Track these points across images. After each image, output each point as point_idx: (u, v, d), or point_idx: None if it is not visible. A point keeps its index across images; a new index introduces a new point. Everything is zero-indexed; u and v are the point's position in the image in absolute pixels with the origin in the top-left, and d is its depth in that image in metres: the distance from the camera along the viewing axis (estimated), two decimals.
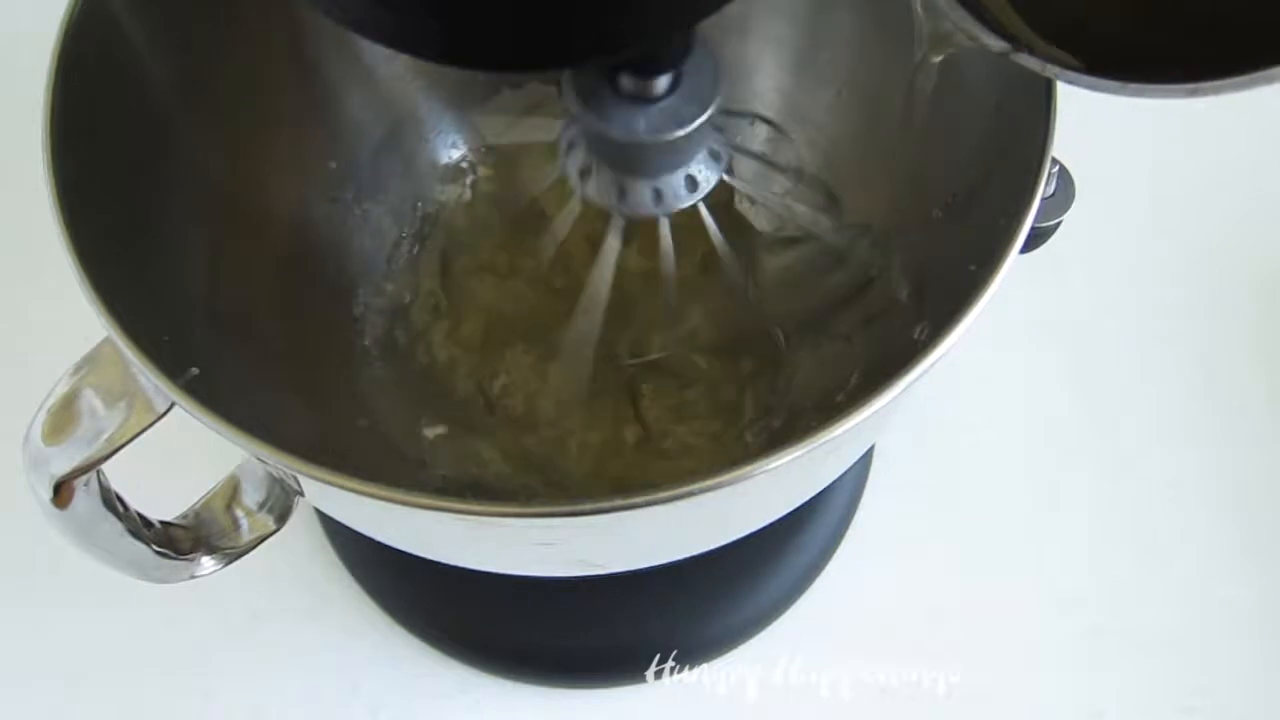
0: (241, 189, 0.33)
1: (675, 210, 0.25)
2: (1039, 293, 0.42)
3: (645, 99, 0.22)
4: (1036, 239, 0.26)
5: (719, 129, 0.24)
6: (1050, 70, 0.20)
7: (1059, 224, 0.26)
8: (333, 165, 0.36)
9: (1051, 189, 0.26)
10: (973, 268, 0.23)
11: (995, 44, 0.20)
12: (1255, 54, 0.17)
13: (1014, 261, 0.23)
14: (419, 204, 0.38)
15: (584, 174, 0.25)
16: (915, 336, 0.31)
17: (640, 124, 0.22)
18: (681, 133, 0.23)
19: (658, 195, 0.25)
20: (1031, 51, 0.20)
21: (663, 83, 0.22)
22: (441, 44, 0.17)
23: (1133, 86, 0.19)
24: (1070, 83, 0.20)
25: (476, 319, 0.36)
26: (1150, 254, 0.44)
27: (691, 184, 0.25)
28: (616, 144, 0.23)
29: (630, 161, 0.24)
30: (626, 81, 0.22)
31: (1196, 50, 0.18)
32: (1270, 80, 0.17)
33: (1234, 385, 0.41)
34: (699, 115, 0.23)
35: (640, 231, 0.30)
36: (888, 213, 0.34)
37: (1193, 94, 0.18)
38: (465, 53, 0.18)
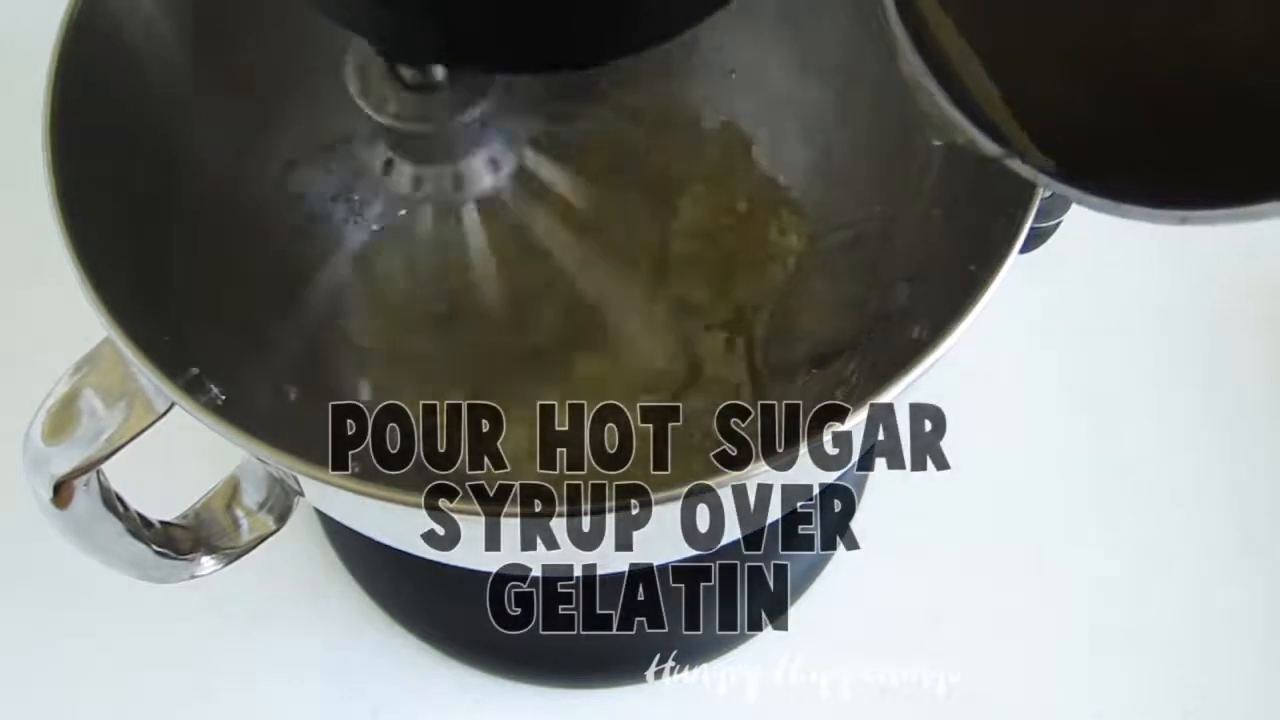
0: (242, 189, 0.33)
1: (478, 195, 0.25)
2: (1039, 293, 0.42)
3: (428, 88, 0.22)
4: (1037, 239, 0.26)
5: (515, 112, 0.25)
6: (1042, 180, 0.20)
7: (1059, 224, 0.26)
8: (334, 166, 0.36)
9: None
10: (973, 268, 0.23)
11: (989, 148, 0.20)
12: (1248, 187, 0.17)
13: (1014, 261, 0.23)
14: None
15: (385, 167, 0.25)
16: (915, 336, 0.31)
17: (426, 112, 0.23)
18: (466, 117, 0.23)
19: (457, 180, 0.25)
20: (1024, 158, 0.20)
21: (440, 70, 0.22)
22: (441, 44, 0.17)
23: (1124, 207, 0.19)
24: (1062, 194, 0.20)
25: None
26: (1150, 253, 0.44)
27: (494, 165, 0.25)
28: (408, 134, 0.23)
29: (427, 148, 0.24)
30: (407, 73, 0.22)
31: (1192, 177, 0.18)
32: (1260, 216, 0.17)
33: (1234, 384, 0.41)
34: (479, 99, 0.23)
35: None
36: (886, 212, 0.34)
37: (1183, 221, 0.18)
38: (465, 53, 0.18)
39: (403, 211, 0.36)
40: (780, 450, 0.21)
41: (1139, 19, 0.19)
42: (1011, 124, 0.20)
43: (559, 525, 0.21)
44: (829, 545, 0.38)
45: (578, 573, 0.28)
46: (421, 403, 0.34)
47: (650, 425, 0.32)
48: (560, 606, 0.37)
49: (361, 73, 0.22)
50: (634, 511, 0.20)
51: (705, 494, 0.20)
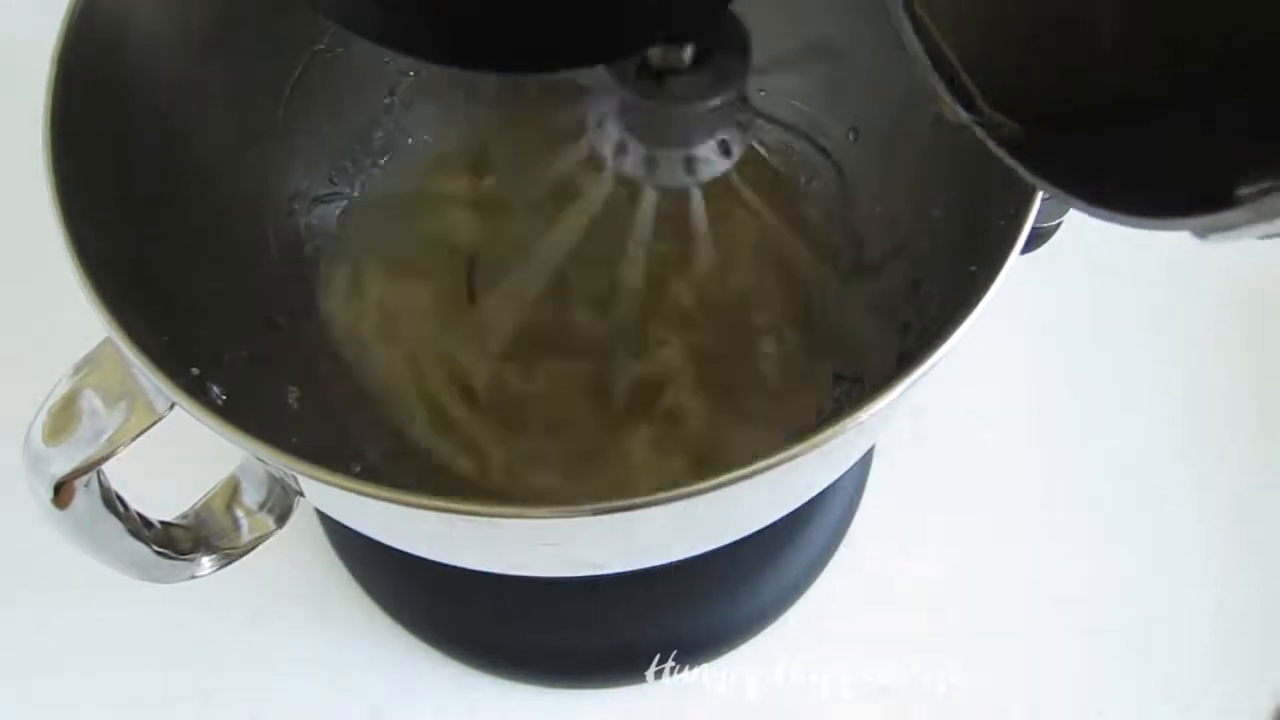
0: (243, 189, 0.33)
1: (708, 179, 0.25)
2: (1039, 293, 0.42)
3: (677, 69, 0.22)
4: (1037, 239, 0.26)
5: (744, 99, 0.24)
6: (1010, 163, 0.20)
7: (1059, 224, 0.26)
8: (335, 167, 0.36)
9: None
10: (973, 268, 0.23)
11: (959, 114, 0.20)
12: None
13: (1014, 261, 0.23)
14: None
15: (618, 150, 0.25)
16: (914, 335, 0.31)
17: (672, 93, 0.22)
18: (716, 101, 0.23)
19: (689, 164, 0.25)
20: (990, 130, 0.20)
21: (688, 53, 0.22)
22: (441, 44, 0.17)
23: (1101, 212, 0.19)
24: (1033, 182, 0.20)
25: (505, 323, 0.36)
26: (1150, 253, 0.44)
27: (725, 149, 0.25)
28: (649, 115, 0.23)
29: (662, 132, 0.24)
30: (655, 53, 0.22)
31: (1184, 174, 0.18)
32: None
33: (1234, 384, 0.41)
34: (730, 84, 0.23)
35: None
36: (887, 213, 0.34)
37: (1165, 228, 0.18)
38: (464, 53, 0.18)
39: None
40: (780, 451, 0.20)
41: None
42: (978, 93, 0.20)
43: (559, 525, 0.21)
44: (829, 545, 0.38)
45: (578, 573, 0.28)
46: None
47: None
48: (560, 606, 0.37)
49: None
50: (634, 512, 0.20)
51: (705, 494, 0.20)
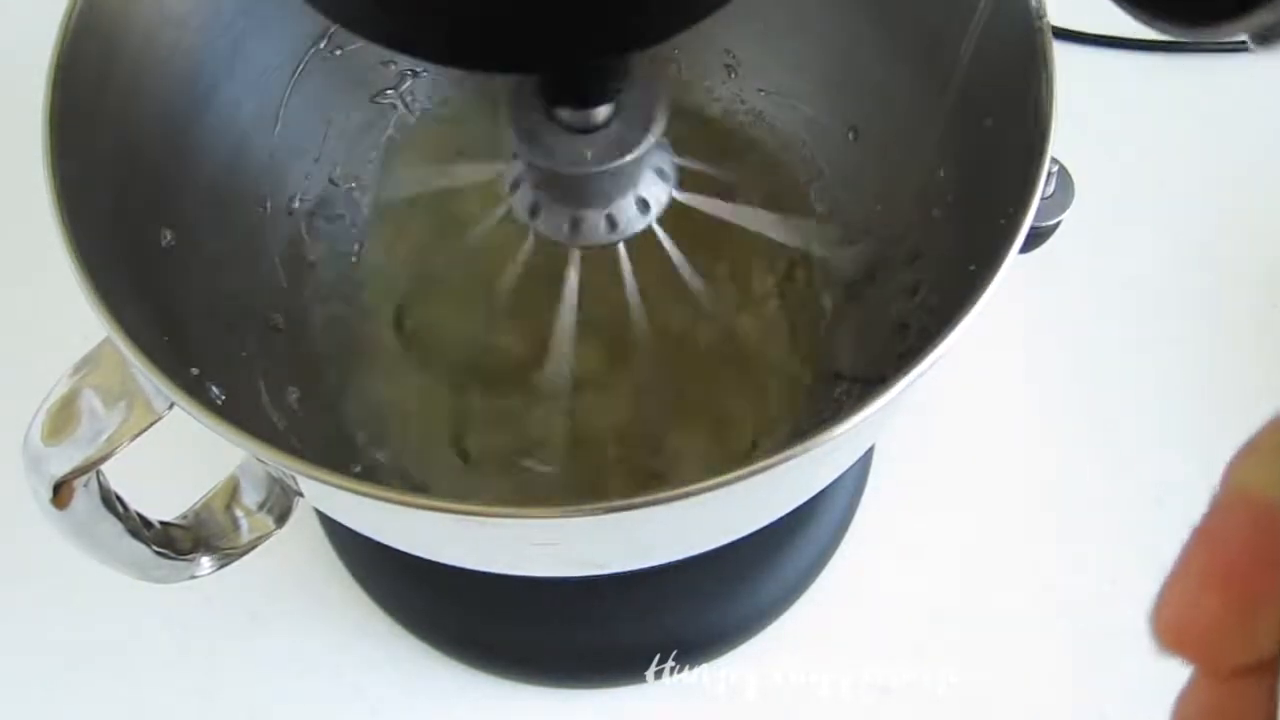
0: (242, 188, 0.33)
1: (630, 235, 0.25)
2: (1039, 293, 0.42)
3: (587, 129, 0.22)
4: (1036, 239, 0.26)
5: (664, 148, 0.24)
6: None
7: (1059, 224, 0.26)
8: (335, 167, 0.36)
9: (1051, 189, 0.26)
10: (973, 268, 0.23)
11: None
12: None
13: (1013, 261, 0.23)
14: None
15: (533, 211, 0.24)
16: (913, 335, 0.31)
17: (586, 154, 0.22)
18: (629, 159, 0.22)
19: (611, 223, 0.24)
20: None
21: (603, 112, 0.22)
22: (441, 44, 0.17)
23: (1160, 23, 0.18)
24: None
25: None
26: (1150, 254, 0.44)
27: (643, 206, 0.24)
28: (563, 177, 0.23)
29: (579, 193, 0.24)
30: (566, 114, 0.22)
31: None
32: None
33: (1234, 385, 0.41)
34: (643, 140, 0.22)
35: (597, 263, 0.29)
36: (887, 213, 0.34)
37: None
38: (464, 53, 0.18)
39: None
40: (780, 451, 0.20)
41: None
42: None
43: (559, 525, 0.21)
44: (829, 545, 0.38)
45: (578, 573, 0.28)
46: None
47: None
48: (560, 606, 0.37)
49: (518, 113, 0.22)
50: (634, 512, 0.20)
51: (705, 494, 0.20)
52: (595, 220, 0.24)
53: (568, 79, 0.21)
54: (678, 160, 0.25)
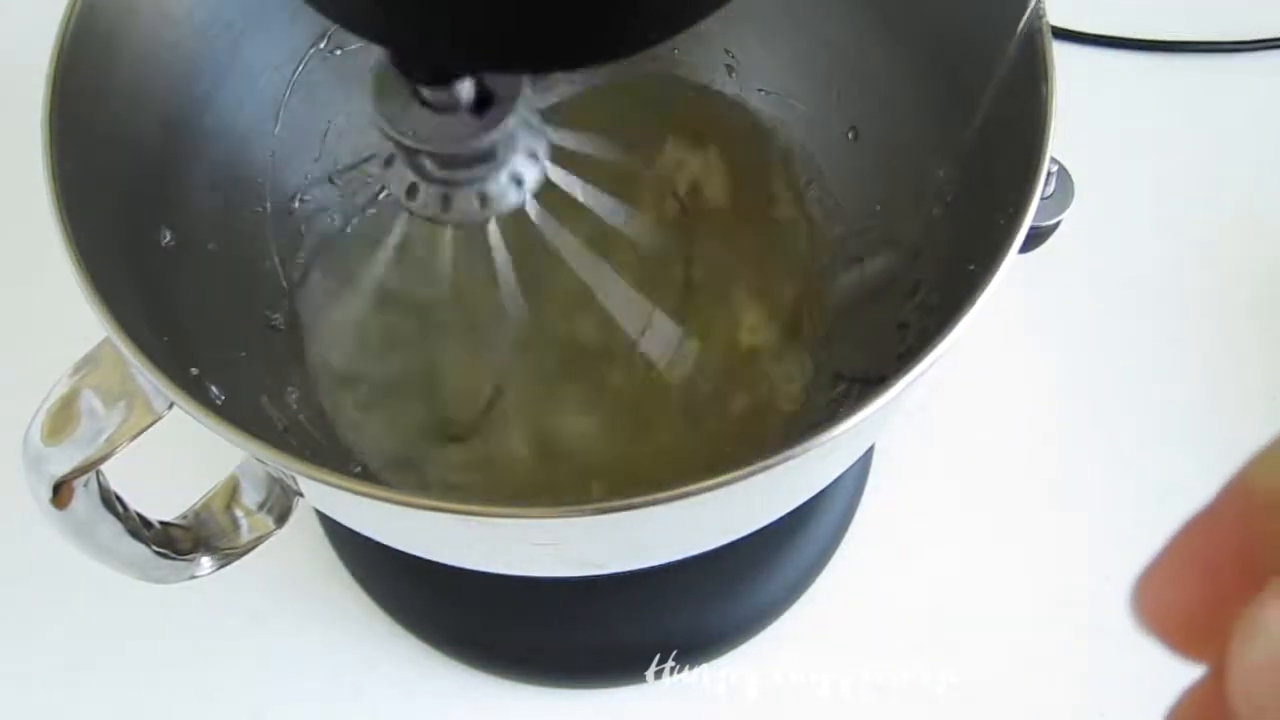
0: (242, 189, 0.33)
1: (502, 212, 0.25)
2: (1039, 293, 0.42)
3: (451, 108, 0.22)
4: (1036, 239, 0.26)
5: (534, 128, 0.24)
6: None
7: (1058, 224, 0.26)
8: (334, 168, 0.36)
9: (1051, 189, 0.26)
10: (972, 268, 0.23)
11: None
12: None
13: (1013, 261, 0.23)
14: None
15: (410, 192, 0.24)
16: (913, 335, 0.31)
17: (451, 133, 0.22)
18: (492, 136, 0.22)
19: (483, 199, 0.24)
20: None
21: (466, 89, 0.22)
22: (441, 44, 0.17)
23: None
24: None
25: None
26: (1150, 254, 0.44)
27: (517, 180, 0.25)
28: (432, 156, 0.23)
29: (449, 171, 0.24)
30: (428, 93, 0.22)
31: None
32: None
33: (1234, 384, 0.41)
34: (505, 117, 0.22)
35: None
36: (887, 213, 0.34)
37: None
38: (465, 54, 0.18)
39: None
40: (780, 450, 0.20)
41: None
42: None
43: (559, 525, 0.21)
44: (829, 545, 0.38)
45: (578, 573, 0.28)
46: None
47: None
48: (560, 606, 0.37)
49: (381, 93, 0.22)
50: (634, 512, 0.20)
51: (705, 494, 0.20)
52: (467, 198, 0.24)
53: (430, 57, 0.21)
54: (554, 138, 0.25)
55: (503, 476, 0.33)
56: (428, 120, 0.22)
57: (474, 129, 0.22)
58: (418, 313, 0.35)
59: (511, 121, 0.22)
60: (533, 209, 0.26)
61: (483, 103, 0.22)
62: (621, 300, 0.31)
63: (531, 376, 0.34)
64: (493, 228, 0.27)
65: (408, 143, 0.22)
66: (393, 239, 0.29)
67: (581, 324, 0.34)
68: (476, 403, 0.34)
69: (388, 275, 0.31)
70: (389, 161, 0.24)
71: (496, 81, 0.22)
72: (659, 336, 0.32)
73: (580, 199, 0.28)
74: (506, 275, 0.29)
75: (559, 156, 0.25)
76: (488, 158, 0.24)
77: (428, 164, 0.24)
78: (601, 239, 0.30)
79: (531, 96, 0.23)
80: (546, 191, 0.25)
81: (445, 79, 0.21)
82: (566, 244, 0.28)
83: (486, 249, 0.28)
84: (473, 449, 0.34)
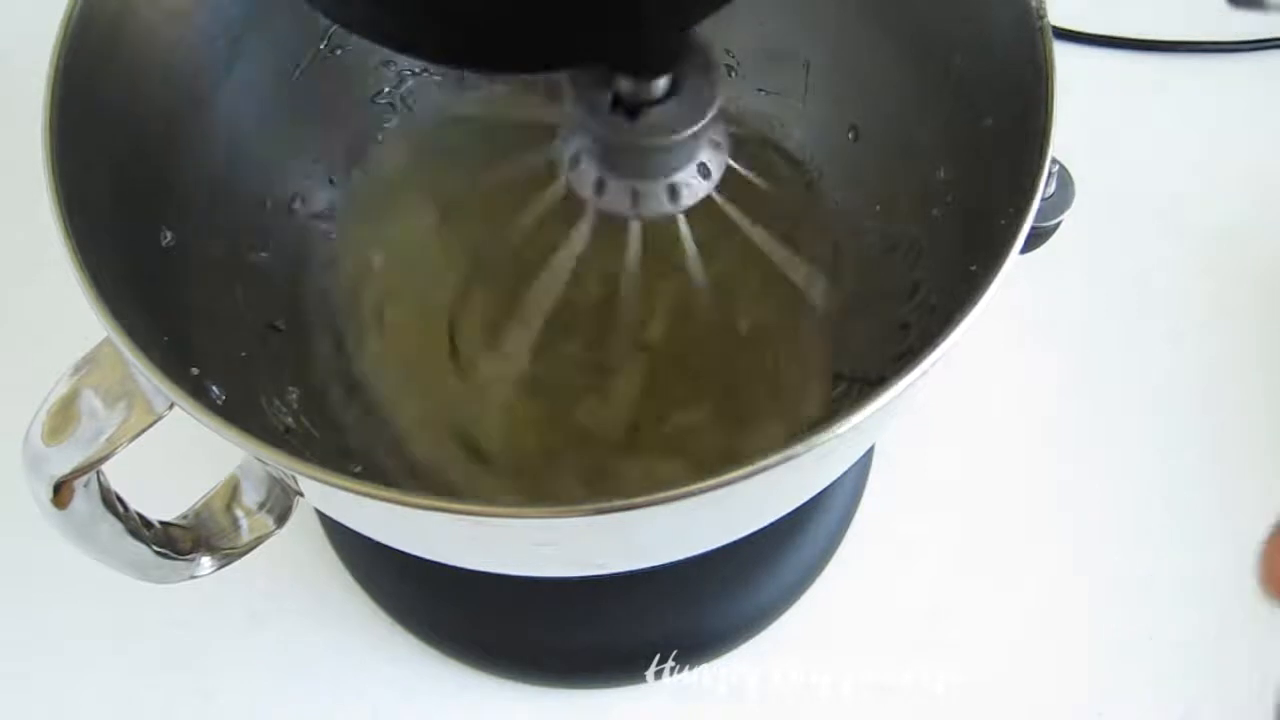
0: (242, 189, 0.33)
1: (691, 204, 0.25)
2: (1039, 293, 0.42)
3: (641, 102, 0.22)
4: (1036, 239, 0.26)
5: (716, 146, 0.24)
6: None
7: (1059, 224, 0.26)
8: (334, 168, 0.36)
9: (1051, 189, 0.26)
10: (973, 268, 0.23)
11: None
12: None
13: (1014, 261, 0.23)
14: None
15: (598, 187, 0.25)
16: (914, 336, 0.31)
17: (650, 126, 0.22)
18: (694, 129, 0.23)
19: (673, 192, 0.25)
20: None
21: (658, 87, 0.22)
22: (441, 44, 0.17)
23: None
24: None
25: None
26: (1150, 254, 0.44)
27: (704, 172, 0.25)
28: (629, 150, 0.23)
29: (643, 165, 0.24)
30: (625, 85, 0.22)
31: None
32: None
33: (1234, 385, 0.41)
34: (704, 110, 0.23)
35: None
36: (887, 213, 0.34)
37: None
38: (465, 54, 0.18)
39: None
40: (780, 451, 0.20)
41: None
42: None
43: (559, 525, 0.21)
44: (829, 545, 0.38)
45: (578, 573, 0.28)
46: None
47: None
48: (560, 606, 0.37)
49: (581, 92, 0.22)
50: (634, 512, 0.20)
51: (705, 494, 0.20)
52: (657, 191, 0.25)
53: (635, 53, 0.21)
54: (730, 162, 0.25)
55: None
56: (624, 112, 0.22)
57: (675, 121, 0.22)
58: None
59: (707, 118, 0.23)
60: (718, 200, 0.26)
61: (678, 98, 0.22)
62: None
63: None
64: (682, 220, 0.27)
65: (608, 133, 0.22)
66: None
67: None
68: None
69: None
70: (575, 161, 0.24)
71: (691, 79, 0.23)
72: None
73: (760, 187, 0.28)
74: (697, 268, 0.29)
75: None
76: (681, 151, 0.24)
77: (620, 159, 0.24)
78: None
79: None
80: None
81: (645, 74, 0.22)
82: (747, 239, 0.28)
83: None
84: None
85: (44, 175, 0.24)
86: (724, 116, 0.24)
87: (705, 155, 0.25)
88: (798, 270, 0.33)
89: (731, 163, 0.25)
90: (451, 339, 0.35)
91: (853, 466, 0.38)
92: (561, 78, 0.23)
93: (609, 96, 0.22)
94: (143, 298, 0.25)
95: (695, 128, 0.23)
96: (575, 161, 0.25)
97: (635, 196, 0.25)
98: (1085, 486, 0.39)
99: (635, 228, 0.27)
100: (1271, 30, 0.48)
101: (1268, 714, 0.36)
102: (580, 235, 0.28)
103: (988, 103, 0.27)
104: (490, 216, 0.35)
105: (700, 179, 0.25)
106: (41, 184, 0.24)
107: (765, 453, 0.20)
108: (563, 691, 0.36)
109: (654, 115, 0.22)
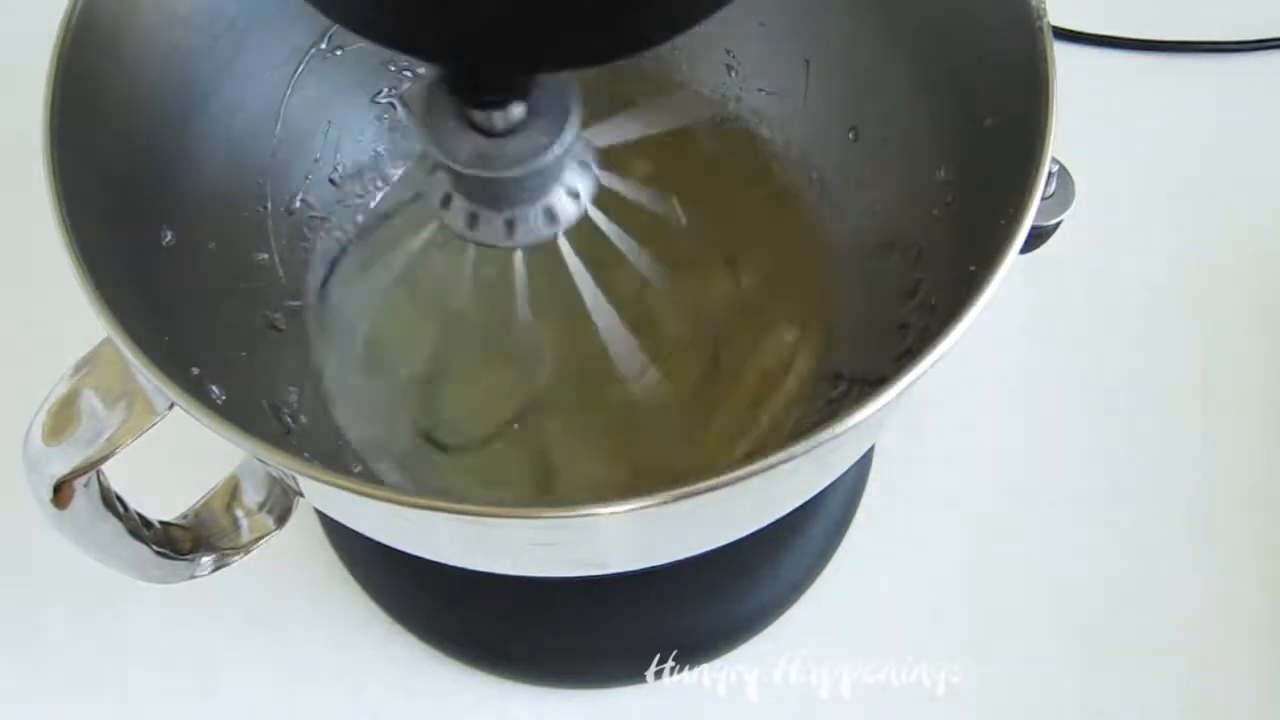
0: (242, 188, 0.33)
1: (528, 243, 0.25)
2: (1039, 293, 0.42)
3: (494, 132, 0.22)
4: (1036, 239, 0.26)
5: (583, 164, 0.24)
6: None
7: (1059, 224, 0.26)
8: (334, 168, 0.36)
9: (1051, 189, 0.26)
10: (973, 268, 0.23)
11: None
12: None
13: (1014, 261, 0.23)
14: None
15: (470, 221, 0.24)
16: (914, 336, 0.31)
17: (491, 157, 0.22)
18: (528, 169, 0.22)
19: (549, 215, 0.24)
20: None
21: (513, 115, 0.22)
22: (441, 44, 0.17)
23: None
24: None
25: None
26: (1150, 254, 0.44)
27: (574, 194, 0.24)
28: (493, 182, 0.23)
29: (483, 191, 0.24)
30: (477, 115, 0.21)
31: None
32: None
33: (1234, 385, 0.41)
34: (550, 150, 0.22)
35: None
36: (887, 213, 0.34)
37: None
38: (465, 54, 0.18)
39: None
40: (780, 451, 0.20)
41: None
42: None
43: (559, 525, 0.21)
44: (829, 545, 0.38)
45: (578, 573, 0.28)
46: None
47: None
48: (560, 606, 0.37)
49: (429, 118, 0.22)
50: (634, 512, 0.20)
51: (705, 494, 0.20)
52: (495, 221, 0.24)
53: (481, 78, 0.21)
54: (600, 175, 0.25)
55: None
56: (478, 144, 0.22)
57: (536, 148, 0.22)
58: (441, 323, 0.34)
59: (564, 143, 0.22)
60: (565, 246, 0.26)
61: (526, 125, 0.22)
62: (623, 347, 0.30)
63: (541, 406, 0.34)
64: (518, 257, 0.27)
65: (457, 168, 0.22)
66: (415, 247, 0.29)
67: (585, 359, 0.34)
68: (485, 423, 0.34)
69: (412, 283, 0.31)
70: (445, 200, 0.24)
71: (547, 105, 0.22)
72: (650, 382, 0.32)
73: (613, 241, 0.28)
74: (524, 301, 0.29)
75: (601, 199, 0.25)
76: (548, 176, 0.23)
77: (485, 192, 0.23)
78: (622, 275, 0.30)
79: (582, 132, 0.23)
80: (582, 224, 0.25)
81: (499, 101, 0.21)
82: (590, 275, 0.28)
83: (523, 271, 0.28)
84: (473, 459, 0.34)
85: (44, 175, 0.24)
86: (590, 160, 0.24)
87: (572, 177, 0.24)
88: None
89: (592, 210, 0.25)
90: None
91: (853, 466, 0.38)
92: (412, 117, 0.22)
93: (462, 130, 0.22)
94: (143, 298, 0.25)
95: (556, 152, 0.22)
96: (445, 201, 0.24)
97: (509, 226, 0.24)
98: (1085, 486, 0.39)
99: (519, 256, 0.27)
100: (1271, 30, 0.48)
101: (1268, 714, 0.36)
102: (466, 274, 0.28)
103: (988, 103, 0.27)
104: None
105: (571, 200, 0.24)
106: (42, 184, 0.24)
107: (765, 453, 0.20)
108: (563, 691, 0.36)
109: (513, 144, 0.22)
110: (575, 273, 0.27)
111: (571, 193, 0.24)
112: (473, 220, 0.24)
